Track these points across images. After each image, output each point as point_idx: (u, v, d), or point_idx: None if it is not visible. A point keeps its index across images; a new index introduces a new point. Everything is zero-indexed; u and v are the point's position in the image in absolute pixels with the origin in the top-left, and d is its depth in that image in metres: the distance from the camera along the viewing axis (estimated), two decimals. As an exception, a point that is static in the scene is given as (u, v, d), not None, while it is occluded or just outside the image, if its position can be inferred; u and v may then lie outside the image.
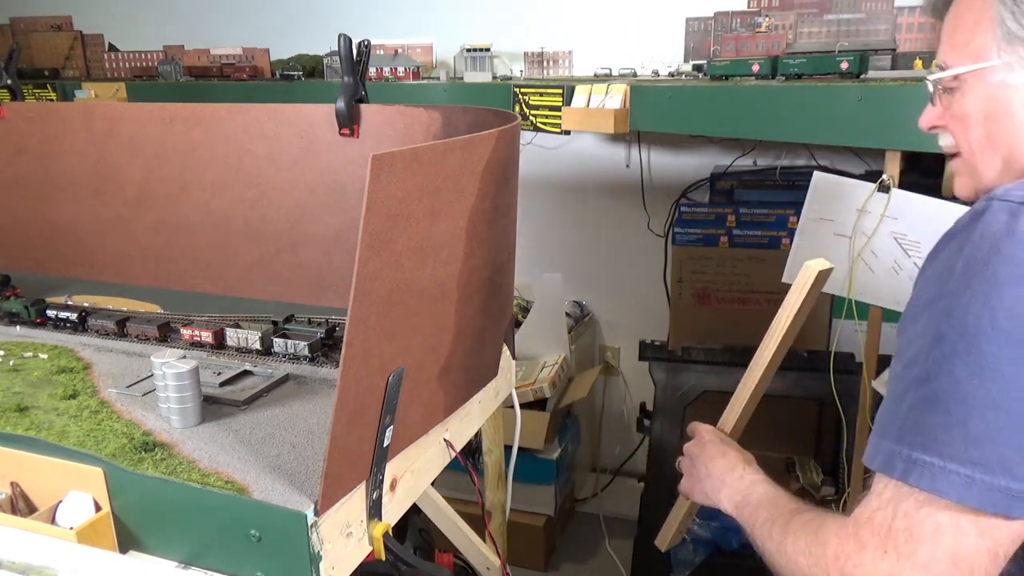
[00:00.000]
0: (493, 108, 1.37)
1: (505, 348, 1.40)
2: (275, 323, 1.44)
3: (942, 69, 0.87)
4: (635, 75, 2.42)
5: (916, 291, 0.74)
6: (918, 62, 1.91)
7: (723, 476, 1.04)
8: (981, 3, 0.81)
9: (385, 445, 0.99)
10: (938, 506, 0.64)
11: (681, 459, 1.18)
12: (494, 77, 2.53)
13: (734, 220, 2.49)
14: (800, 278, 1.03)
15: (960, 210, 0.78)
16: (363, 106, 1.51)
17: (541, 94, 2.20)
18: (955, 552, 0.63)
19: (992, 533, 0.63)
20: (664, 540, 1.30)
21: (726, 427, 1.15)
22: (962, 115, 0.84)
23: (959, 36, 0.84)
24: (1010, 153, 0.81)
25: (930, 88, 0.89)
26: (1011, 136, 0.81)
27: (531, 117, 2.23)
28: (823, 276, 1.03)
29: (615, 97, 2.05)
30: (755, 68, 1.92)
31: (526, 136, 2.54)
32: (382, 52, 2.64)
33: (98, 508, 1.00)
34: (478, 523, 1.56)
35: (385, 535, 1.02)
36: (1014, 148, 0.81)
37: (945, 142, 0.91)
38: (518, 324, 2.76)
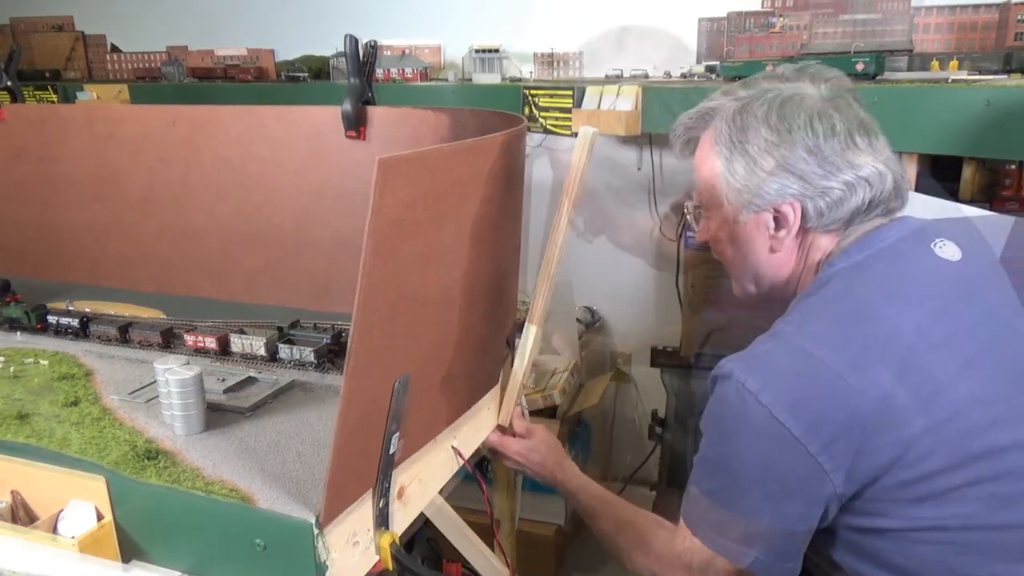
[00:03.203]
0: (500, 111, 1.36)
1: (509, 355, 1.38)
2: (280, 329, 1.43)
3: (697, 203, 1.16)
4: (647, 76, 2.40)
5: (703, 418, 1.08)
6: (935, 63, 1.89)
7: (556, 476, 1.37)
8: (713, 165, 1.09)
9: (391, 453, 0.98)
10: (721, 559, 1.07)
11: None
12: (503, 78, 2.52)
13: (746, 223, 2.47)
14: (580, 140, 1.23)
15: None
16: (370, 108, 1.50)
17: (551, 96, 2.19)
18: (727, 571, 1.07)
19: (741, 571, 1.07)
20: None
21: (545, 274, 1.26)
22: (714, 237, 1.14)
23: (703, 181, 1.12)
24: (756, 274, 1.11)
25: (690, 216, 1.19)
26: (752, 261, 1.11)
27: (541, 119, 2.21)
28: (595, 138, 1.26)
29: (627, 99, 2.03)
30: (769, 69, 1.89)
31: (536, 138, 2.52)
32: (389, 53, 2.63)
33: (100, 517, 0.99)
34: (487, 532, 1.55)
35: (392, 545, 1.01)
36: (757, 270, 1.11)
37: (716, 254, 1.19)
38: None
